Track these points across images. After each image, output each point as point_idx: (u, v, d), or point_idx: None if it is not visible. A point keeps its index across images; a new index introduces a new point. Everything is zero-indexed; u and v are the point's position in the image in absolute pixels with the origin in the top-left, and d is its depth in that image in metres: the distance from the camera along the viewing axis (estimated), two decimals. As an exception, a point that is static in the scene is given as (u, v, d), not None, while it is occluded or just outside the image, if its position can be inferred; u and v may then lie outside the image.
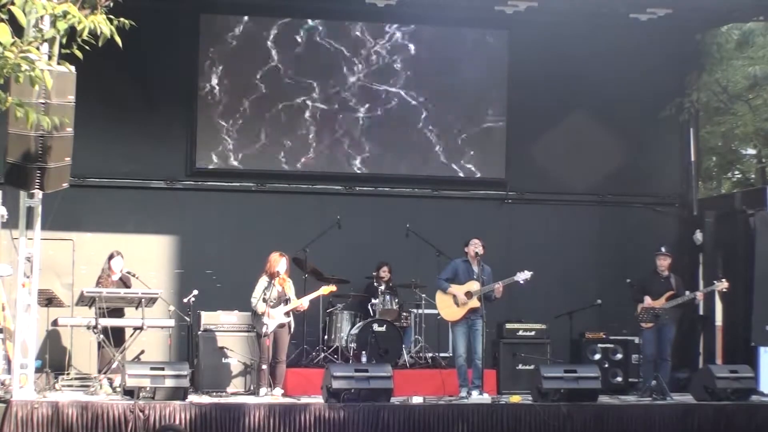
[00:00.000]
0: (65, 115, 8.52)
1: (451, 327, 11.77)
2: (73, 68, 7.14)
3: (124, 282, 12.08)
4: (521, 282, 11.29)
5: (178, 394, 10.23)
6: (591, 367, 11.63)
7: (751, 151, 20.47)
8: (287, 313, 11.47)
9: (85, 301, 11.55)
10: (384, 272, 13.16)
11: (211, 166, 13.95)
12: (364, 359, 12.15)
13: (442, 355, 12.90)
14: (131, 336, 11.66)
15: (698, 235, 14.60)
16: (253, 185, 14.16)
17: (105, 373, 11.25)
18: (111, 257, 12.13)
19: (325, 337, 12.81)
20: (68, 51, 6.32)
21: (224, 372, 11.89)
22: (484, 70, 14.56)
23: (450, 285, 11.48)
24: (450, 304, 11.48)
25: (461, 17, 13.94)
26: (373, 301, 12.87)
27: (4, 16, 5.79)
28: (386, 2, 13.13)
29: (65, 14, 6.10)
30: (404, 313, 13.01)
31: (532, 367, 12.19)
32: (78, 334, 12.25)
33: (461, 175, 14.53)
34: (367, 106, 14.29)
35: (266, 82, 14.03)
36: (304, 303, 11.57)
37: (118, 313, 11.77)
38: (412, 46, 14.33)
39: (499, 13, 13.39)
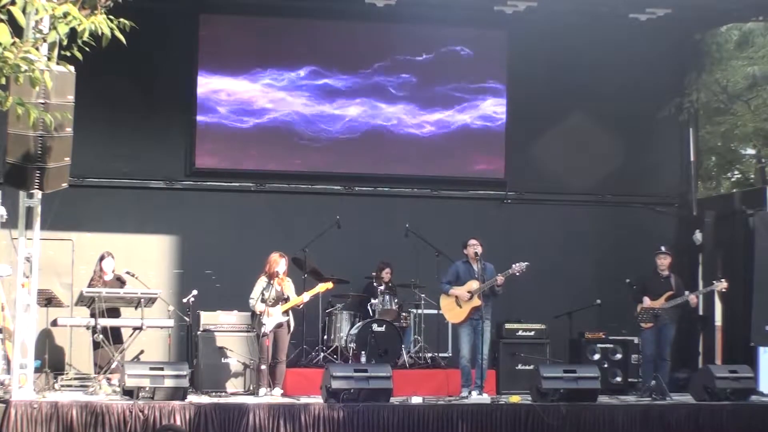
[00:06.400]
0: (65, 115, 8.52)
1: (456, 328, 11.76)
2: (72, 68, 7.14)
3: (120, 282, 12.08)
4: (517, 273, 11.27)
5: (178, 394, 10.23)
6: (590, 367, 11.63)
7: (751, 151, 20.50)
8: (286, 312, 11.47)
9: (84, 301, 11.55)
10: (386, 273, 13.15)
11: (210, 166, 13.96)
12: (363, 359, 12.15)
13: (441, 355, 12.91)
14: (131, 336, 11.66)
15: (698, 235, 14.61)
16: (252, 185, 14.17)
17: (104, 373, 11.25)
18: (101, 258, 12.14)
19: (325, 337, 12.80)
20: (68, 53, 6.32)
21: (224, 372, 11.89)
22: (483, 71, 14.57)
23: (452, 287, 11.50)
24: (453, 306, 11.49)
25: (461, 17, 13.94)
26: (373, 301, 12.86)
27: (3, 17, 5.78)
28: (386, 2, 13.14)
29: (65, 15, 6.09)
30: (403, 313, 13.00)
31: (531, 367, 12.19)
32: (77, 334, 12.26)
33: (461, 175, 14.55)
34: (367, 105, 14.31)
35: (266, 81, 14.04)
36: (303, 297, 11.57)
37: (114, 312, 11.76)
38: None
39: (498, 13, 13.40)
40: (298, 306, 11.61)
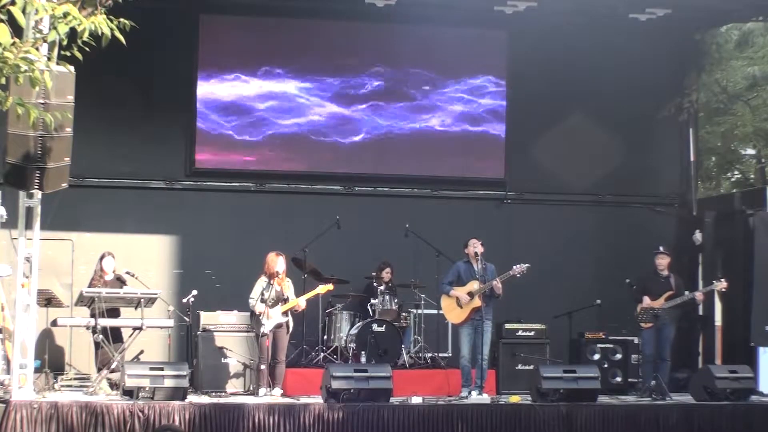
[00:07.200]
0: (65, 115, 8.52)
1: (457, 328, 11.75)
2: (72, 68, 7.14)
3: (120, 281, 12.08)
4: (518, 275, 11.27)
5: (178, 394, 10.22)
6: (590, 367, 11.63)
7: (751, 151, 20.50)
8: (285, 313, 11.47)
9: (84, 301, 11.53)
10: (386, 273, 13.15)
11: (210, 166, 13.96)
12: (363, 359, 12.15)
13: (441, 355, 12.91)
14: (131, 336, 11.65)
15: (698, 235, 14.60)
16: (252, 185, 14.17)
17: (104, 372, 11.24)
18: (102, 258, 12.14)
19: (325, 337, 12.80)
20: (68, 53, 6.32)
21: (223, 372, 11.88)
22: (483, 71, 14.58)
23: (453, 288, 11.49)
24: (454, 307, 11.49)
25: (461, 17, 13.94)
26: (373, 301, 12.86)
27: (3, 17, 5.78)
28: (386, 2, 13.14)
29: (65, 15, 6.09)
30: (403, 314, 13.01)
31: (531, 367, 12.19)
32: (77, 334, 12.26)
33: (461, 175, 14.55)
34: (366, 105, 14.32)
35: (266, 81, 14.05)
36: (300, 303, 11.57)
37: (113, 312, 11.76)
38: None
39: (498, 13, 13.41)
40: (296, 310, 11.60)
